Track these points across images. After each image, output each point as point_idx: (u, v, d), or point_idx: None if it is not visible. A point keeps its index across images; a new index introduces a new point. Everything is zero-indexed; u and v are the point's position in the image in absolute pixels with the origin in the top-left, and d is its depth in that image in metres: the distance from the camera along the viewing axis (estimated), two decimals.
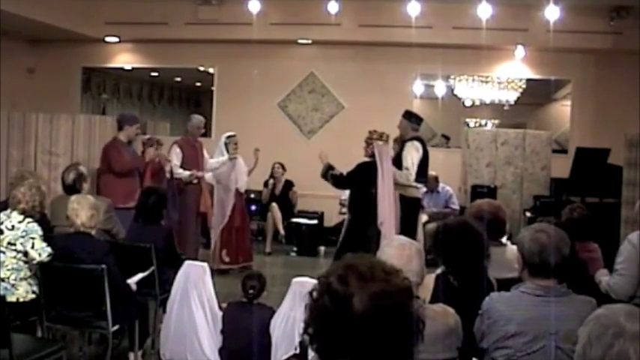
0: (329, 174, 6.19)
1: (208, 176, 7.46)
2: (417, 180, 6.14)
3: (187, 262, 4.46)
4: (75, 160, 7.32)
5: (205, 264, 4.49)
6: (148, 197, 5.14)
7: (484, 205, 3.98)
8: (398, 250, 2.55)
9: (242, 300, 4.24)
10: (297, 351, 3.82)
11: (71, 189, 4.86)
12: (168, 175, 6.95)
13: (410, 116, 6.46)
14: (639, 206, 4.09)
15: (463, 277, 2.97)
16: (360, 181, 5.96)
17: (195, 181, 7.10)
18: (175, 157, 7.04)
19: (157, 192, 5.28)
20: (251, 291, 4.18)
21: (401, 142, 6.34)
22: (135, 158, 6.68)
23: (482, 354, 2.63)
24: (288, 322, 3.93)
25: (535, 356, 2.45)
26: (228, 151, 7.34)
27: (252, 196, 9.53)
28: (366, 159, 6.06)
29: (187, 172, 7.00)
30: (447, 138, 11.14)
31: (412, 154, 6.10)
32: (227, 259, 7.39)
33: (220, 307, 4.30)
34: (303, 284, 3.85)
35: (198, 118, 7.44)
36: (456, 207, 8.41)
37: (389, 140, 6.30)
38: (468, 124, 11.91)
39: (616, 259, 3.78)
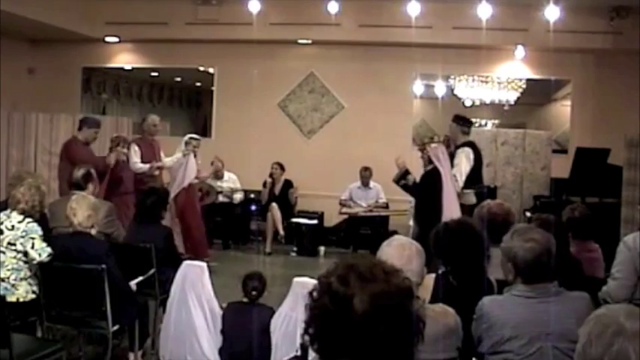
0: (401, 182, 6.02)
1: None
2: (471, 186, 5.95)
3: (185, 263, 4.46)
4: None
5: (204, 264, 4.48)
6: (148, 197, 5.14)
7: (494, 208, 3.95)
8: (398, 250, 2.55)
9: (242, 300, 4.23)
10: (299, 353, 3.81)
11: (77, 186, 4.87)
12: (112, 162, 6.84)
13: (459, 120, 6.30)
14: None
15: (463, 277, 2.97)
16: (424, 191, 5.73)
17: (156, 172, 7.22)
18: (134, 154, 7.14)
19: (156, 192, 5.27)
20: (254, 292, 4.17)
21: (454, 148, 6.16)
22: (94, 158, 6.62)
23: (481, 357, 2.63)
24: (288, 323, 3.92)
25: (532, 359, 2.45)
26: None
27: (252, 196, 9.54)
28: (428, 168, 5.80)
29: (147, 165, 7.12)
30: None
31: (463, 162, 5.95)
32: (181, 250, 7.43)
33: (221, 307, 4.30)
34: (304, 284, 3.84)
35: (152, 117, 7.57)
36: None
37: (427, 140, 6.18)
38: None
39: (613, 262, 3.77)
